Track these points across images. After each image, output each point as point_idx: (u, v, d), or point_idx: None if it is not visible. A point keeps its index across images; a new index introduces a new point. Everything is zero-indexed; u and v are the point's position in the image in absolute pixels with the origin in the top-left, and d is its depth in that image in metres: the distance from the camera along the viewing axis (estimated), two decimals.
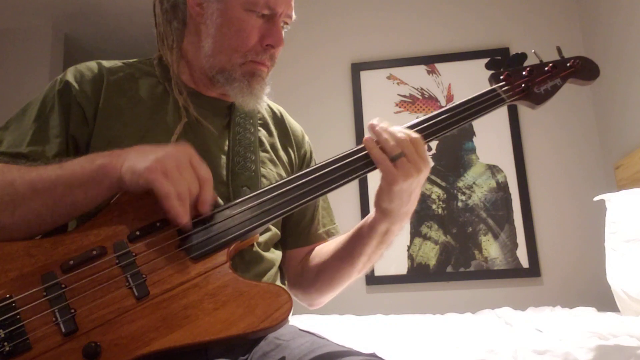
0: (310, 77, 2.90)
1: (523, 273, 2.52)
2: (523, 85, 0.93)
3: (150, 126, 0.87)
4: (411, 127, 0.85)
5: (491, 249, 2.57)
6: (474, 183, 2.65)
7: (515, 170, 2.63)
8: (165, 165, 0.69)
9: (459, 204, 2.64)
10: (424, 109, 2.77)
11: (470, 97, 0.90)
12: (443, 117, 0.87)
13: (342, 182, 0.80)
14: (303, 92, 2.87)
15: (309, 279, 1.00)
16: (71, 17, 3.24)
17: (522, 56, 0.96)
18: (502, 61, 0.96)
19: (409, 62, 2.84)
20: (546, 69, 0.95)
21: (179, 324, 0.65)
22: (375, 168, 0.81)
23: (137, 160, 0.71)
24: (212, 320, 0.65)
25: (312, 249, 1.03)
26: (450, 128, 0.87)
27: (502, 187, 2.63)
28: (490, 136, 2.67)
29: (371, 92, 2.84)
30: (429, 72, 2.82)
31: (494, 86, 0.93)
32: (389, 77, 2.85)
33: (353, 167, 0.81)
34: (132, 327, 0.64)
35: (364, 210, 2.65)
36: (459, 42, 2.82)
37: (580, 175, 2.60)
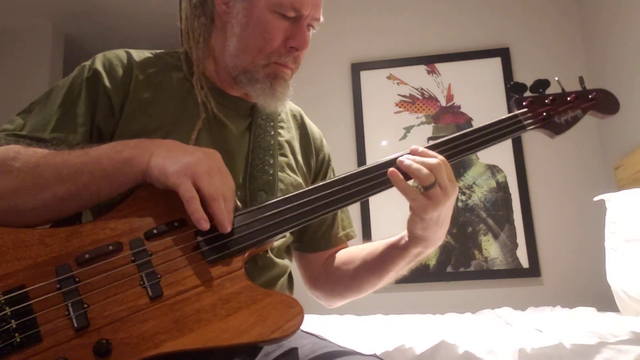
0: (310, 77, 2.90)
1: (523, 273, 2.52)
2: (545, 113, 0.93)
3: (175, 122, 0.85)
4: (431, 147, 0.85)
5: (491, 249, 2.57)
6: (474, 183, 2.65)
7: (515, 170, 2.63)
8: (195, 170, 0.69)
9: (459, 204, 2.64)
10: (424, 109, 2.78)
11: (491, 122, 0.91)
12: (464, 140, 0.88)
13: (366, 194, 0.81)
14: (303, 92, 2.86)
15: (333, 282, 1.00)
16: (71, 17, 3.24)
17: (545, 82, 0.96)
18: (525, 86, 0.96)
19: (409, 62, 2.84)
20: (568, 99, 0.95)
21: (191, 328, 0.64)
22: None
23: (167, 161, 0.71)
24: (223, 327, 0.65)
25: (334, 252, 1.03)
26: (469, 151, 0.87)
27: (502, 187, 2.63)
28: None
29: (371, 92, 2.84)
30: (429, 72, 2.82)
31: (517, 112, 0.93)
32: (389, 77, 2.85)
33: (377, 181, 0.81)
34: (143, 327, 0.64)
35: (365, 212, 2.66)
36: (459, 42, 2.82)
37: (580, 175, 2.60)
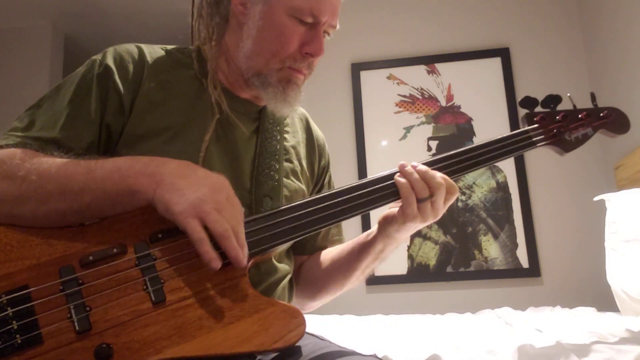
0: (311, 77, 2.89)
1: (523, 273, 2.52)
2: (555, 130, 0.93)
3: (185, 122, 0.84)
4: (439, 160, 0.85)
5: (491, 249, 2.57)
6: (474, 183, 2.65)
7: (515, 170, 2.63)
8: (201, 209, 0.67)
9: (459, 204, 2.64)
10: (423, 109, 2.78)
11: (501, 137, 0.90)
12: (473, 154, 0.88)
13: (372, 207, 0.82)
14: (303, 92, 2.87)
15: (302, 284, 1.01)
16: (71, 17, 3.24)
17: (557, 98, 0.95)
18: (536, 100, 0.95)
19: (409, 62, 2.84)
20: (580, 116, 0.95)
21: (192, 335, 0.64)
22: (399, 198, 0.82)
23: (172, 197, 0.68)
24: (226, 335, 0.65)
25: (310, 256, 1.03)
26: (478, 166, 0.88)
27: (502, 187, 2.63)
28: (490, 136, 2.67)
29: (371, 92, 2.84)
30: (429, 72, 2.82)
31: (527, 128, 0.93)
32: (389, 77, 2.85)
33: (383, 193, 0.82)
34: (145, 332, 0.63)
35: (365, 218, 2.65)
36: (459, 42, 2.82)
37: (580, 175, 2.60)
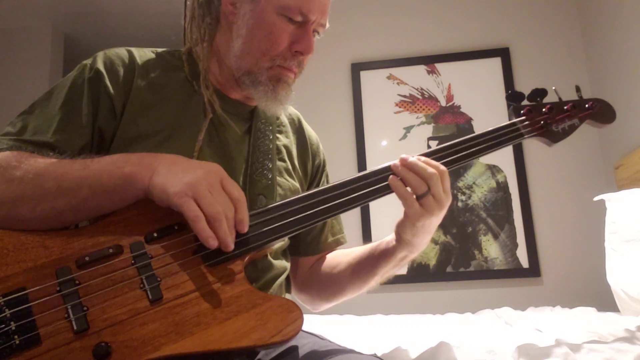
0: (310, 77, 2.90)
1: (523, 273, 2.52)
2: (542, 122, 0.95)
3: (177, 125, 0.85)
4: (429, 154, 0.86)
5: (491, 249, 2.57)
6: (473, 183, 2.65)
7: (515, 170, 2.63)
8: (197, 190, 0.68)
9: (459, 204, 2.64)
10: (424, 109, 2.78)
11: (490, 129, 0.91)
12: (462, 147, 0.89)
13: (364, 200, 0.82)
14: (303, 92, 2.86)
15: (318, 286, 1.01)
16: (71, 17, 3.24)
17: (543, 91, 0.97)
18: (523, 94, 0.96)
19: (409, 62, 2.84)
20: (565, 107, 0.97)
21: (190, 331, 0.65)
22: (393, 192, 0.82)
23: (168, 180, 0.70)
24: (223, 330, 0.65)
25: (321, 257, 1.03)
26: (467, 159, 0.88)
27: (502, 187, 2.63)
28: None
29: (371, 92, 2.84)
30: (429, 72, 2.82)
31: (515, 120, 0.94)
32: (389, 77, 2.85)
33: (376, 187, 0.82)
34: (143, 330, 0.64)
35: (365, 214, 2.65)
36: (458, 42, 2.82)
37: (580, 175, 2.60)
